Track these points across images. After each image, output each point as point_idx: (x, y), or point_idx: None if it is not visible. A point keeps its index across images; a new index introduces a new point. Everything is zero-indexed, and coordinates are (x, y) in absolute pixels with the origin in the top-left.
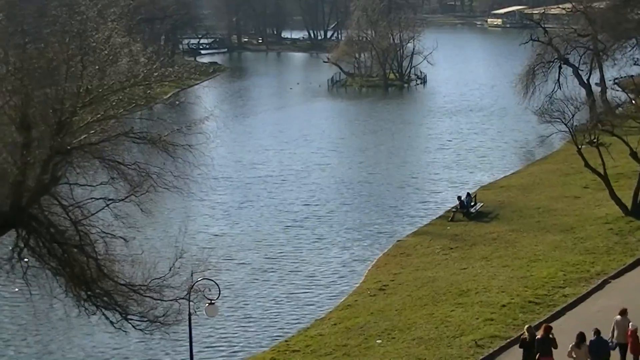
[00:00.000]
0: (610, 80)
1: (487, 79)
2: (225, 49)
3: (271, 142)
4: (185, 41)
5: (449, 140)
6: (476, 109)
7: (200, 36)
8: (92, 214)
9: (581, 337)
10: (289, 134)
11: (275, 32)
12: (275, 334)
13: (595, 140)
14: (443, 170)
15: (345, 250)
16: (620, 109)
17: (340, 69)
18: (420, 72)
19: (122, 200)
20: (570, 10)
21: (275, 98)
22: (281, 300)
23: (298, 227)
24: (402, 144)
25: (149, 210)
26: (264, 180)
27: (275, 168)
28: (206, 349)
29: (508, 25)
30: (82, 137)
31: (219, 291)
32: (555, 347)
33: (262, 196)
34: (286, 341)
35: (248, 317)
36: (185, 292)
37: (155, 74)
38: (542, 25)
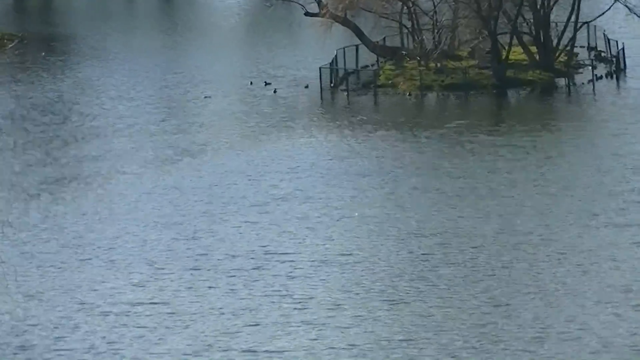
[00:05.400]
0: None
1: None
2: None
3: (132, 278)
4: None
5: None
6: None
7: None
8: None
9: None
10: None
11: None
12: None
13: None
14: None
15: None
16: None
17: (359, 35)
18: (607, 40)
19: None
20: None
21: (169, 132)
22: None
23: None
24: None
25: None
26: None
27: None
28: None
29: None
30: None
31: None
32: None
33: None
34: None
35: None
36: None
37: None
38: None
